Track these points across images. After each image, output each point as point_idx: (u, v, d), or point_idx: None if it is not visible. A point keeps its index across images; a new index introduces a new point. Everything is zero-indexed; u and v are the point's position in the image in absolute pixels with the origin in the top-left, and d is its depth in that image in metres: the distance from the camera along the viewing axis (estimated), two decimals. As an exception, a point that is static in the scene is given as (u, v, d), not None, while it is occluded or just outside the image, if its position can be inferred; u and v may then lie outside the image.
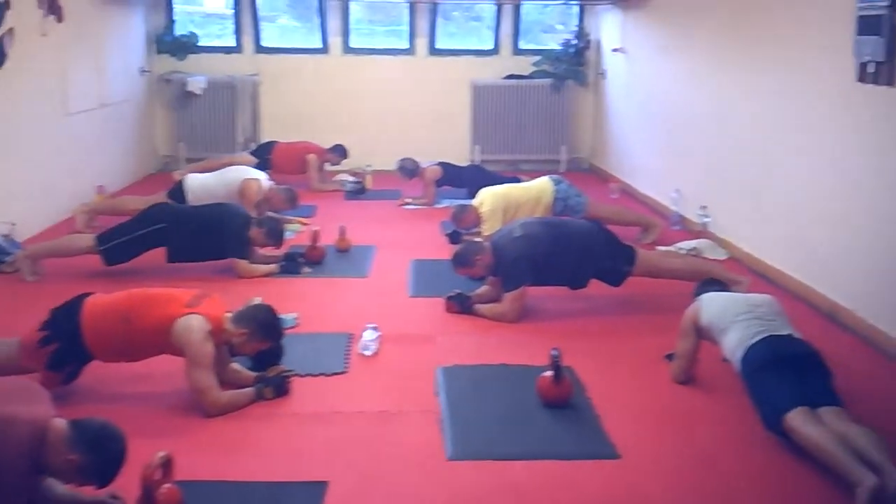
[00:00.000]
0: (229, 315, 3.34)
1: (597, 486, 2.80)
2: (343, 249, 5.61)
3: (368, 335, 3.93)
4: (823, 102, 4.45)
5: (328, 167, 7.98)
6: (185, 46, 8.45)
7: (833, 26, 4.24)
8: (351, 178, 7.82)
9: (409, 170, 7.25)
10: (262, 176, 6.15)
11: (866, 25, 3.95)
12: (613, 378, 3.66)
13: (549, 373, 3.36)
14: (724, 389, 3.46)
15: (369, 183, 7.71)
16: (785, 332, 3.23)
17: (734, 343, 3.26)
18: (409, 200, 7.17)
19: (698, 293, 3.68)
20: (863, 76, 4.03)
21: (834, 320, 4.30)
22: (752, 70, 5.28)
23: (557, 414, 3.29)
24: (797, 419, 2.88)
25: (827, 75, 4.37)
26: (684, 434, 3.16)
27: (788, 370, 3.06)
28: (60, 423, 2.38)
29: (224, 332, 3.28)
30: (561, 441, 3.09)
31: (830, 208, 4.39)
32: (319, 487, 2.73)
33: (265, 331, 3.33)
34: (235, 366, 3.49)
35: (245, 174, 6.06)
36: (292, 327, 4.13)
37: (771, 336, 3.18)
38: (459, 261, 4.47)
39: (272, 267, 5.11)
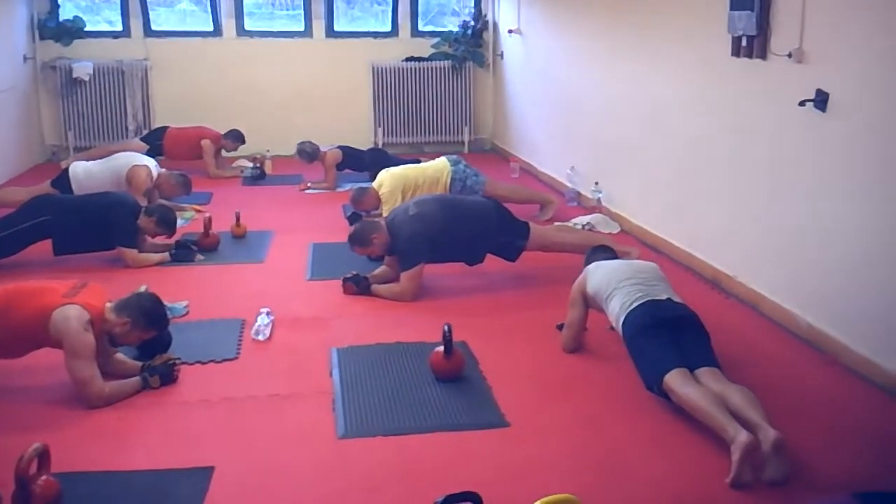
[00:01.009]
0: (110, 304, 3.24)
1: (487, 454, 2.84)
2: (239, 235, 5.51)
3: (261, 320, 3.88)
4: (702, 77, 4.61)
5: (225, 154, 7.81)
6: (71, 31, 8.10)
7: (712, 2, 4.38)
8: (249, 164, 7.68)
9: (309, 153, 7.16)
10: (150, 162, 5.97)
11: (739, 0, 4.10)
12: (506, 351, 3.72)
13: (440, 347, 3.39)
14: (612, 357, 3.56)
15: (269, 168, 7.58)
16: (664, 297, 3.34)
17: (617, 309, 3.35)
18: (310, 185, 7.09)
19: (588, 261, 3.77)
20: (736, 50, 4.19)
21: (717, 287, 4.48)
22: (639, 49, 5.42)
23: (450, 388, 3.33)
24: (675, 380, 2.99)
25: (706, 50, 4.52)
26: (574, 401, 3.24)
27: (667, 333, 3.17)
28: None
29: (105, 322, 3.19)
30: (452, 413, 3.13)
31: (712, 180, 4.56)
32: (205, 473, 2.68)
33: (148, 320, 3.25)
34: (120, 356, 3.39)
35: (133, 161, 5.88)
36: (182, 315, 4.04)
37: (650, 301, 3.28)
38: (355, 240, 4.46)
39: (163, 255, 4.98)
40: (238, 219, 5.54)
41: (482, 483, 2.50)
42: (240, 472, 2.72)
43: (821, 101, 3.58)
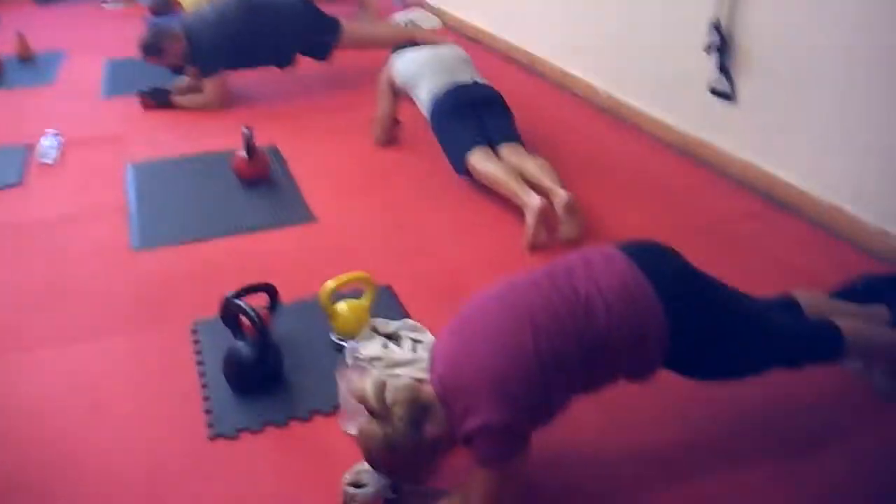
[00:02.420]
0: None
1: (291, 249, 2.79)
2: (25, 59, 4.98)
3: (47, 142, 3.57)
4: None
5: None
6: None
7: None
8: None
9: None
10: None
11: None
12: (318, 151, 3.61)
13: (242, 151, 3.24)
14: (423, 145, 3.50)
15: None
16: (468, 79, 3.28)
17: (424, 96, 3.28)
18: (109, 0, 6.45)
19: (394, 52, 3.63)
20: None
21: (532, 71, 4.47)
22: None
23: (256, 191, 3.22)
24: (476, 158, 2.99)
25: None
26: (384, 193, 3.20)
27: (469, 115, 3.14)
28: None
29: None
30: (258, 216, 3.03)
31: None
32: (-15, 299, 2.52)
33: None
34: None
35: None
36: (-45, 146, 3.67)
37: (454, 84, 3.22)
38: (147, 49, 4.07)
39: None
40: (22, 40, 4.98)
41: (283, 275, 2.46)
42: (23, 294, 2.56)
43: None
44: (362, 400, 1.55)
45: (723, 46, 3.00)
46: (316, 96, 4.31)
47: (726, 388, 1.86)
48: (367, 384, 1.56)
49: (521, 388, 1.54)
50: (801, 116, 2.77)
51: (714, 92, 3.09)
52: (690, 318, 1.64)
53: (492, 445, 1.53)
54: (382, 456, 1.54)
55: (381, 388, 1.55)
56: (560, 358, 1.57)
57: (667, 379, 1.73)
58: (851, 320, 1.87)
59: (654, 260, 1.72)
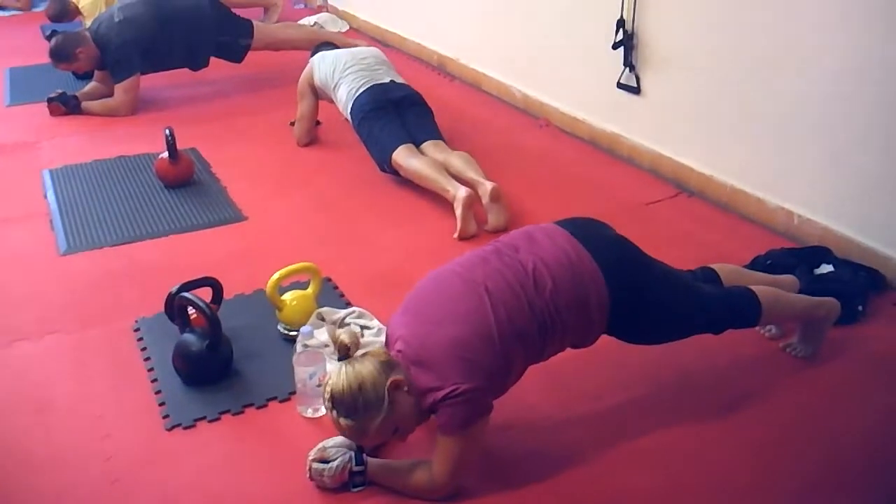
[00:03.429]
0: None
1: (224, 247, 2.81)
2: (-85, 67, 4.76)
3: (-47, 150, 3.45)
4: None
5: None
6: None
7: None
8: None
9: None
10: None
11: None
12: (239, 153, 3.62)
13: (164, 154, 3.22)
14: (346, 146, 3.56)
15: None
16: (387, 80, 3.36)
17: (344, 97, 3.34)
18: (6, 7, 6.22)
19: (313, 54, 3.68)
20: None
21: (443, 71, 4.59)
22: None
23: (181, 193, 3.20)
24: (401, 155, 3.08)
25: None
26: (310, 190, 3.25)
27: (393, 113, 3.23)
28: None
29: None
30: (185, 216, 3.03)
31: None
32: None
33: None
34: None
35: None
36: None
37: (374, 84, 3.30)
38: (57, 55, 3.99)
39: None
40: None
41: (218, 272, 2.46)
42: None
43: None
44: (339, 345, 1.63)
45: (628, 43, 3.19)
46: (231, 98, 4.31)
47: (654, 354, 2.01)
48: (344, 333, 1.64)
49: (485, 356, 1.64)
50: (701, 107, 2.99)
51: (621, 86, 3.28)
52: (628, 283, 1.79)
53: (457, 412, 1.62)
54: (349, 397, 1.59)
55: (355, 336, 1.65)
56: (517, 326, 1.68)
57: (603, 344, 1.87)
58: (766, 288, 2.05)
59: (592, 232, 1.86)
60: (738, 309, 1.98)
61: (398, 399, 1.62)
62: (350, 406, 1.60)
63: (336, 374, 1.62)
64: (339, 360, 1.65)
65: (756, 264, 2.44)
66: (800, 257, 2.46)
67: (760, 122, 2.77)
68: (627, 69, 3.23)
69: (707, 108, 2.97)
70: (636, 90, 3.23)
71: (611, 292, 1.75)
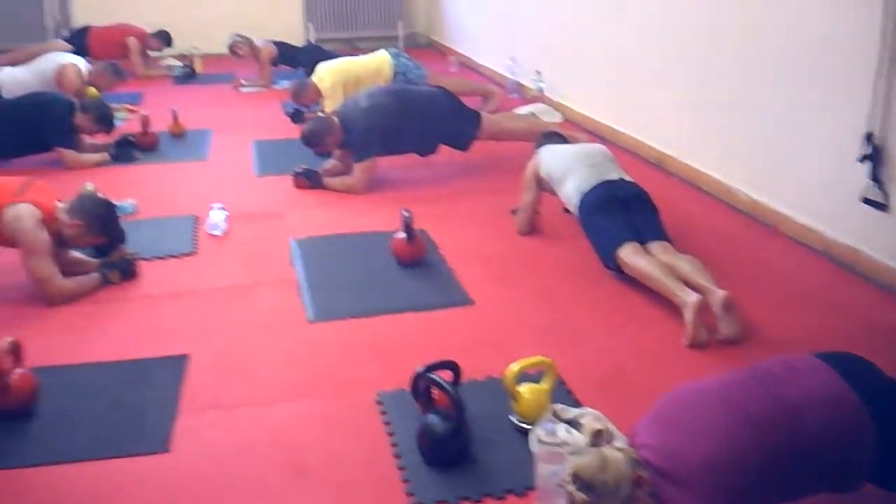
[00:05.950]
0: (62, 205, 3.16)
1: (455, 329, 2.93)
2: (177, 134, 5.38)
3: (216, 215, 3.84)
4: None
5: (152, 54, 7.50)
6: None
7: None
8: (178, 63, 7.40)
9: (243, 50, 6.94)
10: (79, 61, 5.72)
11: None
12: (464, 236, 3.79)
13: (401, 233, 3.44)
14: (565, 237, 3.66)
15: (199, 66, 7.34)
16: (616, 177, 3.43)
17: (571, 191, 3.44)
18: (244, 82, 6.91)
19: (539, 146, 3.82)
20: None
21: (661, 168, 4.61)
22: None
23: (413, 272, 3.39)
24: (627, 253, 3.11)
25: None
26: (531, 278, 3.34)
27: (619, 211, 3.28)
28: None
29: (56, 222, 3.11)
30: (418, 295, 3.20)
31: (653, 65, 4.62)
32: (180, 361, 2.70)
33: (102, 225, 3.19)
34: (76, 254, 3.33)
35: (60, 59, 5.63)
36: (131, 214, 3.97)
37: (603, 181, 3.37)
38: (310, 140, 4.39)
39: (102, 156, 4.83)
40: (176, 117, 5.39)
41: (454, 355, 2.58)
42: (215, 357, 2.75)
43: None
44: (592, 432, 1.71)
45: (876, 157, 3.09)
46: (453, 182, 4.53)
47: None
48: (595, 421, 1.70)
49: (734, 480, 1.63)
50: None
51: (867, 201, 3.16)
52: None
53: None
54: (590, 474, 1.64)
55: (605, 424, 1.72)
56: (770, 459, 1.65)
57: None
58: None
59: (858, 371, 1.80)
60: None
61: (637, 495, 1.65)
62: (589, 484, 1.65)
63: (586, 452, 1.69)
64: (591, 446, 1.70)
65: None
66: None
67: None
68: (874, 183, 3.12)
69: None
70: (883, 206, 3.11)
71: (879, 442, 1.69)
